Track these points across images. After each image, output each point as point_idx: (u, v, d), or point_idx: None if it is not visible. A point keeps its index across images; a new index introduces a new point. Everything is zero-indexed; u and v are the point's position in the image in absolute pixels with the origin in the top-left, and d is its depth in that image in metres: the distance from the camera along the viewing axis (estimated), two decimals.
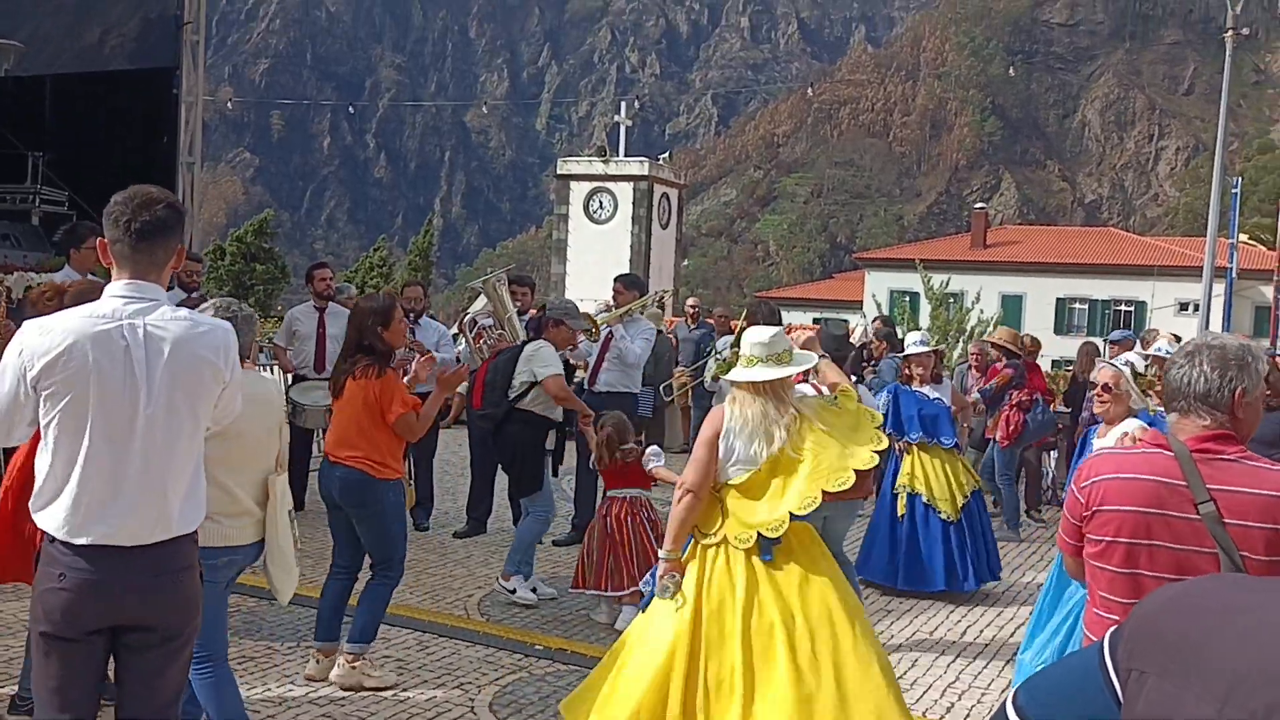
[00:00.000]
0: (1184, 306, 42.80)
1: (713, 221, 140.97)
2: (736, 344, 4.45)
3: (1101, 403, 4.94)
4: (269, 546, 3.96)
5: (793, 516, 3.97)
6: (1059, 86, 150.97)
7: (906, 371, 7.76)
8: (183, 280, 8.39)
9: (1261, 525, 2.40)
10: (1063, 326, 46.53)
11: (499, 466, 7.38)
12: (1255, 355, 2.59)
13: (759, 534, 3.95)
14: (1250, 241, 45.08)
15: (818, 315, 50.41)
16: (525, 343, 6.65)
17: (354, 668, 4.99)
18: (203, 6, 10.13)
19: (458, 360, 8.20)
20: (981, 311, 16.91)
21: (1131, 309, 46.63)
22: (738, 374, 4.16)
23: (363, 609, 5.04)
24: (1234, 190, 11.93)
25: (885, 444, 4.17)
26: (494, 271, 7.47)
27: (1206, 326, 15.81)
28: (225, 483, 3.73)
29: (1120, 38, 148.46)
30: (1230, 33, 12.29)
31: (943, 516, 7.23)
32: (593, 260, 35.43)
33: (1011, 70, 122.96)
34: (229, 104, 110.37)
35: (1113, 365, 5.04)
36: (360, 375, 4.97)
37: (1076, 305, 48.53)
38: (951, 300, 19.46)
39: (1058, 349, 31.86)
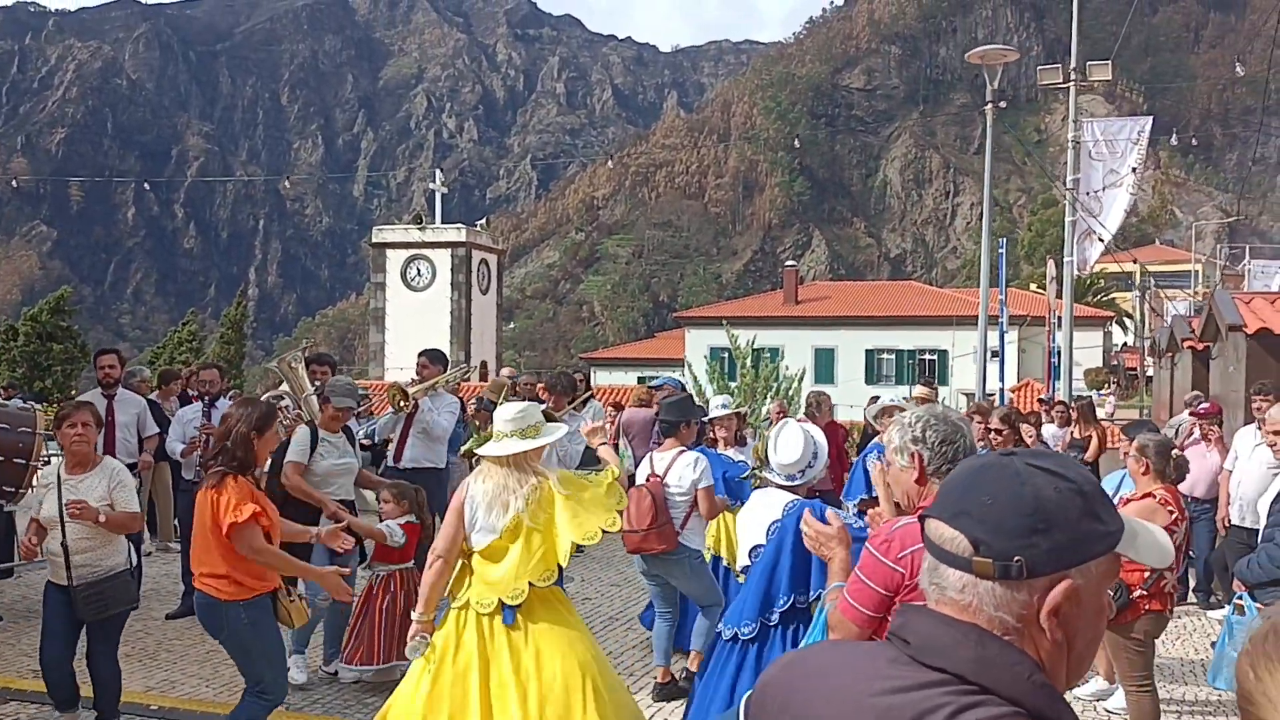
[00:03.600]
0: (992, 354, 45.24)
1: (537, 284, 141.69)
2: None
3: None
4: None
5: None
6: (861, 148, 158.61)
7: (711, 435, 8.00)
8: None
9: None
10: (873, 376, 48.42)
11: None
12: None
13: (499, 600, 4.29)
14: (1039, 291, 48.15)
15: (642, 375, 51.12)
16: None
17: None
18: None
19: None
20: (787, 367, 17.56)
21: (935, 357, 48.92)
22: (487, 449, 4.51)
23: None
24: (1000, 250, 13.04)
25: (616, 524, 4.51)
26: (290, 351, 7.41)
27: (985, 372, 16.85)
28: None
29: (914, 101, 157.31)
30: (989, 105, 13.34)
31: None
32: (412, 328, 35.10)
33: (796, 140, 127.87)
34: (14, 182, 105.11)
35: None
36: (207, 486, 4.59)
37: (885, 356, 50.55)
38: (768, 355, 20.15)
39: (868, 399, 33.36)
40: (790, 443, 4.24)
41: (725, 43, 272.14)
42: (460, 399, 9.06)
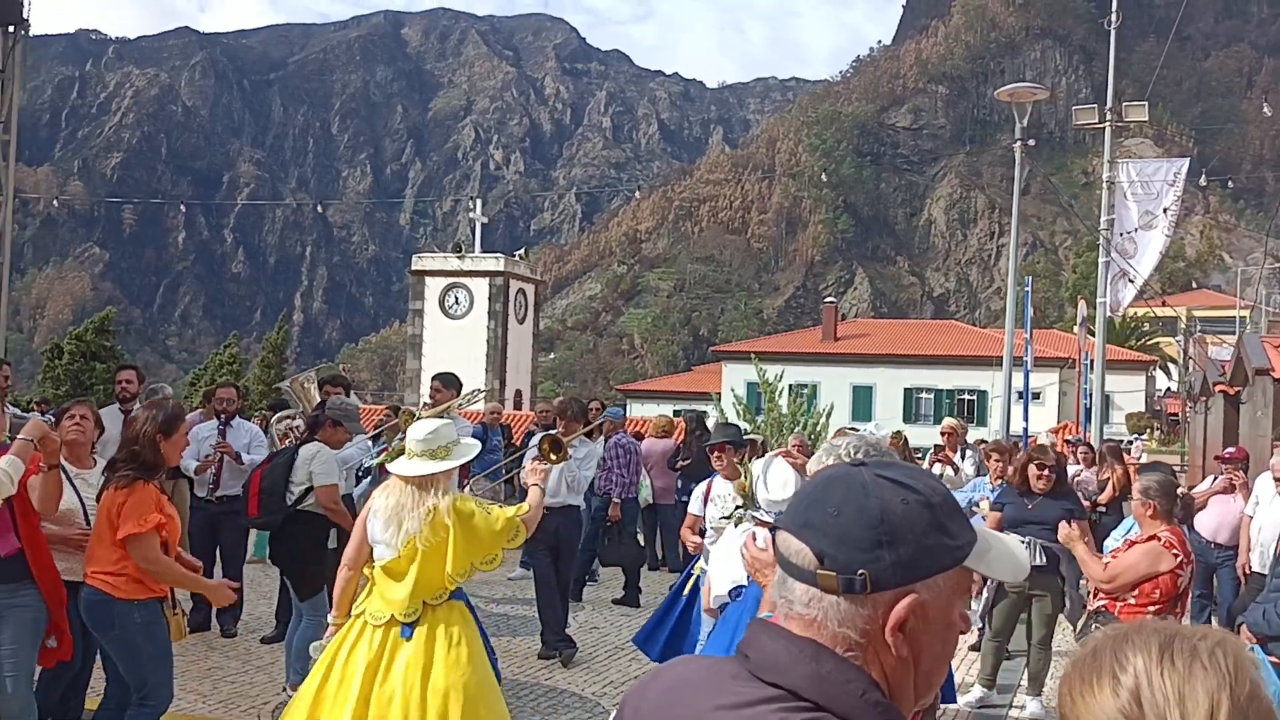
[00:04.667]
0: (1021, 395, 44.76)
1: (578, 316, 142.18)
2: (402, 437, 4.76)
3: None
4: None
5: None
6: (906, 186, 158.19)
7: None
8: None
9: None
10: (911, 415, 48.04)
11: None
12: None
13: (393, 615, 4.36)
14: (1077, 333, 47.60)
15: (678, 407, 51.09)
16: (299, 445, 6.61)
17: None
18: (15, 105, 9.97)
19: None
20: (815, 403, 17.52)
21: (974, 397, 48.46)
22: (396, 465, 4.57)
23: None
24: (1025, 288, 12.93)
25: (497, 562, 4.59)
26: (304, 372, 7.48)
27: (1009, 413, 16.64)
28: None
29: (960, 141, 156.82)
30: (1018, 143, 13.23)
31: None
32: (449, 355, 35.20)
33: (824, 174, 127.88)
34: (55, 201, 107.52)
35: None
36: (115, 486, 4.50)
37: (923, 395, 50.16)
38: (804, 391, 20.10)
39: (910, 438, 33.16)
40: (778, 478, 4.20)
41: (771, 80, 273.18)
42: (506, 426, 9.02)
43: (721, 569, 4.34)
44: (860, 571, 1.24)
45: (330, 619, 4.67)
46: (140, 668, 4.57)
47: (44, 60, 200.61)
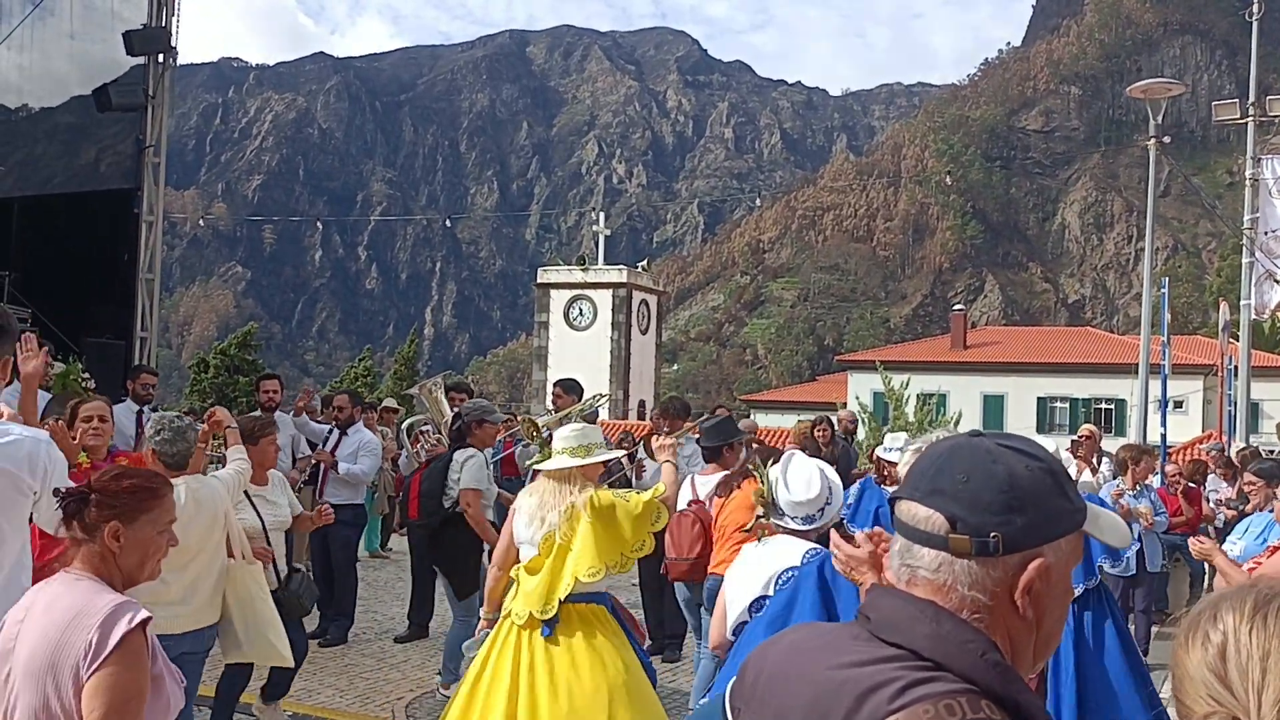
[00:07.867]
0: (1161, 403, 43.09)
1: (701, 326, 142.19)
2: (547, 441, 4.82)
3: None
4: (246, 627, 4.20)
5: (575, 597, 4.38)
6: (1037, 191, 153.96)
7: (879, 472, 7.78)
8: (137, 393, 8.60)
9: None
10: (1045, 425, 46.74)
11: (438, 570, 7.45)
12: None
13: (531, 613, 4.35)
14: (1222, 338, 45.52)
15: (802, 416, 50.66)
16: (454, 449, 6.81)
17: None
18: (164, 131, 10.53)
19: (395, 464, 8.35)
20: (943, 412, 17.20)
21: (1112, 407, 46.89)
22: (542, 465, 4.67)
23: None
24: (1162, 290, 12.37)
25: (646, 548, 4.49)
26: (430, 379, 7.71)
27: (1144, 423, 16.01)
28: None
29: (1095, 143, 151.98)
30: (1153, 140, 12.78)
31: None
32: (574, 366, 35.68)
33: (948, 176, 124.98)
34: (201, 222, 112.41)
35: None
36: None
37: (1058, 404, 48.73)
38: (930, 400, 19.81)
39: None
40: (802, 477, 3.82)
41: (896, 85, 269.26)
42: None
43: (741, 590, 3.84)
44: (993, 534, 1.28)
45: (481, 614, 4.94)
46: None
47: (190, 88, 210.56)
